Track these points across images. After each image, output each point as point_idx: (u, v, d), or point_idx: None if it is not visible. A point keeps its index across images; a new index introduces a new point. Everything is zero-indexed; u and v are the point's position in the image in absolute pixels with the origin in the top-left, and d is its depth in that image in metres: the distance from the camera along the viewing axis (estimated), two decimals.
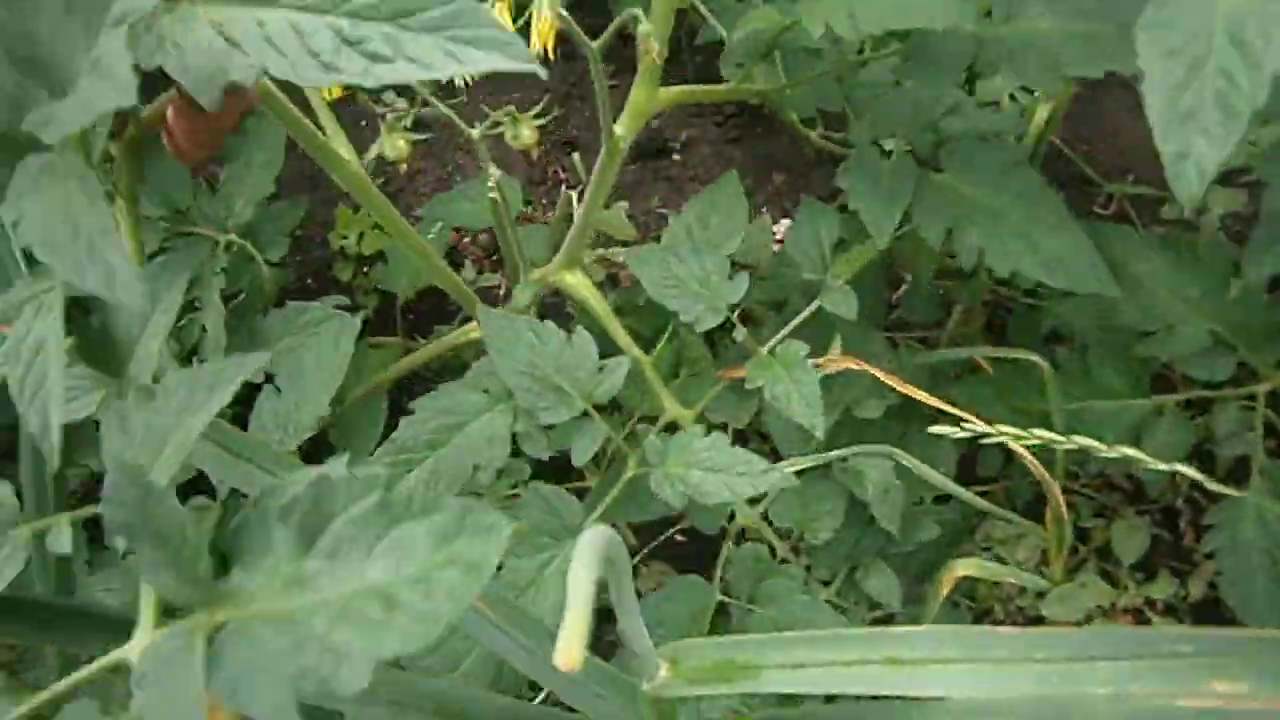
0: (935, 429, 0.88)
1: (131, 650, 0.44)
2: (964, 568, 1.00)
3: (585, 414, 0.82)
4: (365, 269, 1.34)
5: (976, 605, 1.13)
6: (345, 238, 1.33)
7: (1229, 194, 1.25)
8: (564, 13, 0.63)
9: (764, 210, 1.40)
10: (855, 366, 0.90)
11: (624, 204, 1.38)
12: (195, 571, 0.42)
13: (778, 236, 1.39)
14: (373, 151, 0.85)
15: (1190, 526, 1.11)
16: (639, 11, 0.66)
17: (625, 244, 1.27)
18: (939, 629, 0.54)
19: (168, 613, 0.44)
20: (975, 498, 0.96)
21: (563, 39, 0.75)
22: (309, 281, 1.35)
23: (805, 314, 0.89)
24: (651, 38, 0.67)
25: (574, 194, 1.05)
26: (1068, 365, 0.97)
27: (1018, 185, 0.85)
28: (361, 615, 0.37)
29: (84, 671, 0.45)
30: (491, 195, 0.90)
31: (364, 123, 1.42)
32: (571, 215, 1.24)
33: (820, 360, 0.90)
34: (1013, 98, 1.15)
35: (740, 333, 0.88)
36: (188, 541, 0.42)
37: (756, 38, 0.82)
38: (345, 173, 0.83)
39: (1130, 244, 0.91)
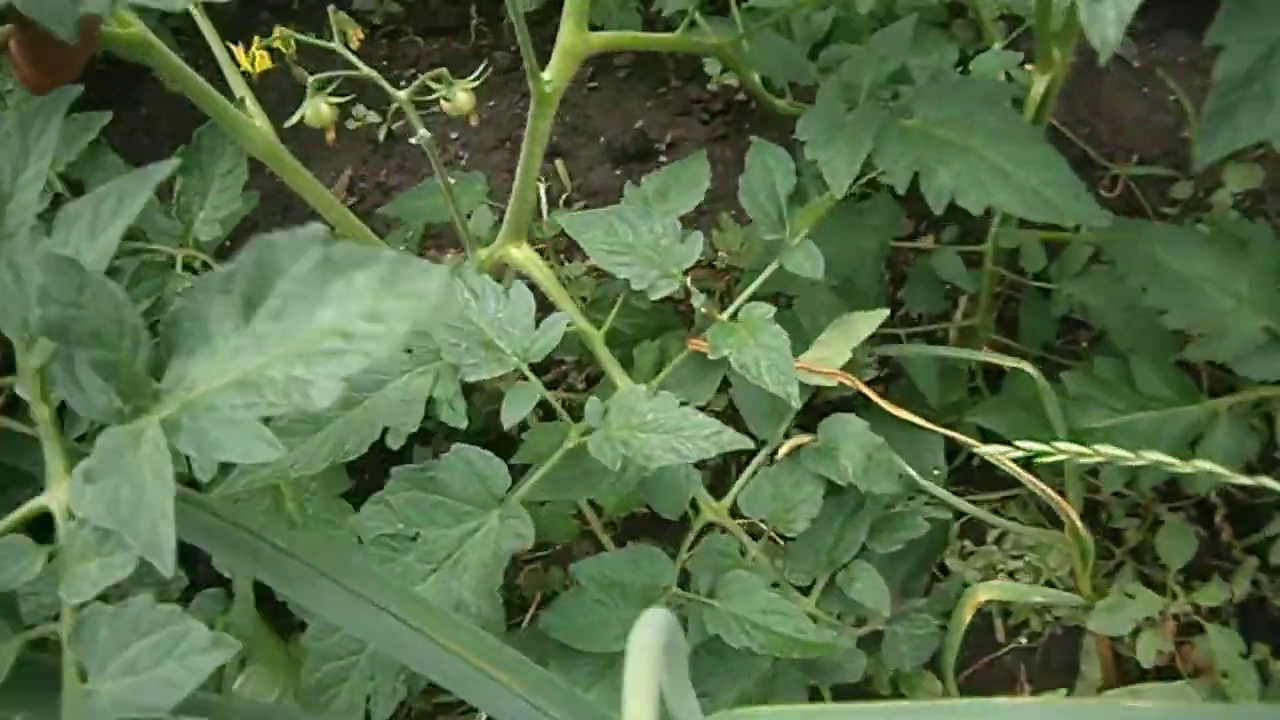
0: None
1: (51, 498, 0.45)
2: (987, 591, 0.92)
3: (518, 374, 0.75)
4: None
5: (1011, 618, 1.02)
6: None
7: (1243, 169, 1.16)
8: None
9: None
10: (845, 380, 0.82)
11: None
12: (134, 368, 0.43)
13: None
14: (294, 117, 0.80)
15: (1227, 522, 1.01)
16: None
17: None
18: (1031, 702, 0.43)
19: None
20: (970, 506, 0.87)
21: None
22: None
23: (766, 274, 0.81)
24: None
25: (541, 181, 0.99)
26: (1107, 375, 0.89)
27: (991, 120, 0.77)
28: (320, 351, 0.40)
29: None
30: (444, 184, 0.84)
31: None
32: (542, 210, 1.18)
33: (803, 363, 0.82)
34: (1009, 77, 1.08)
35: (699, 299, 0.81)
36: (126, 332, 0.43)
37: None
38: (251, 138, 0.78)
39: (1170, 239, 0.83)
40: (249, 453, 0.41)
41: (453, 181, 0.84)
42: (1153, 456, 0.73)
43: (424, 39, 1.47)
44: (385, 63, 1.45)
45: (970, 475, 1.07)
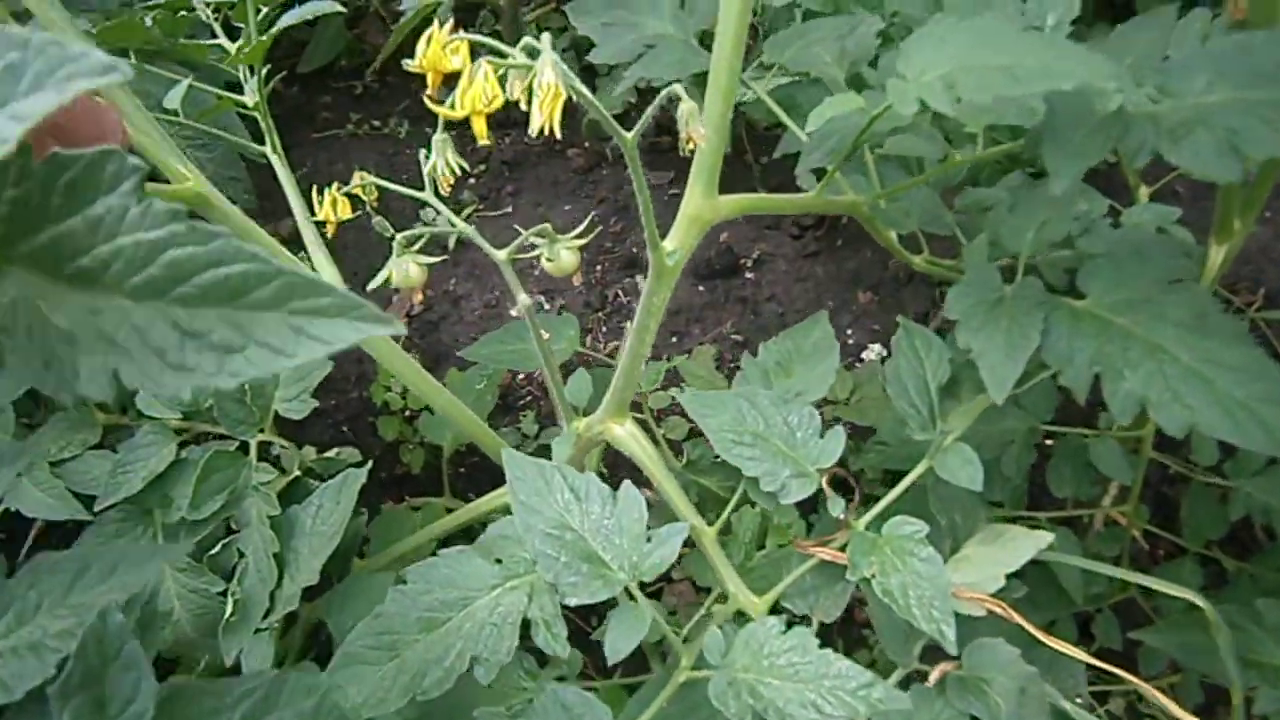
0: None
1: None
2: None
3: (627, 594, 0.64)
4: (413, 420, 1.19)
5: None
6: (389, 389, 1.19)
7: None
8: (580, 87, 0.48)
9: (849, 332, 1.23)
10: (996, 609, 0.70)
11: (710, 349, 1.21)
12: None
13: (865, 359, 1.21)
14: (379, 278, 0.70)
15: None
16: (679, 87, 0.51)
17: None
18: None
19: None
20: None
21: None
22: (344, 429, 1.20)
23: (911, 478, 0.70)
24: (696, 120, 0.51)
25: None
26: None
27: (1180, 309, 0.65)
28: None
29: None
30: (542, 352, 0.74)
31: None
32: None
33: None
34: (1162, 231, 0.96)
35: (836, 506, 0.70)
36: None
37: (837, 132, 0.66)
38: None
39: None
40: None
41: (544, 334, 0.75)
42: None
43: (493, 134, 1.38)
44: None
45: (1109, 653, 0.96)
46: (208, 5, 0.97)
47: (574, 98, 0.49)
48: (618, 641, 0.63)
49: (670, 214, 1.31)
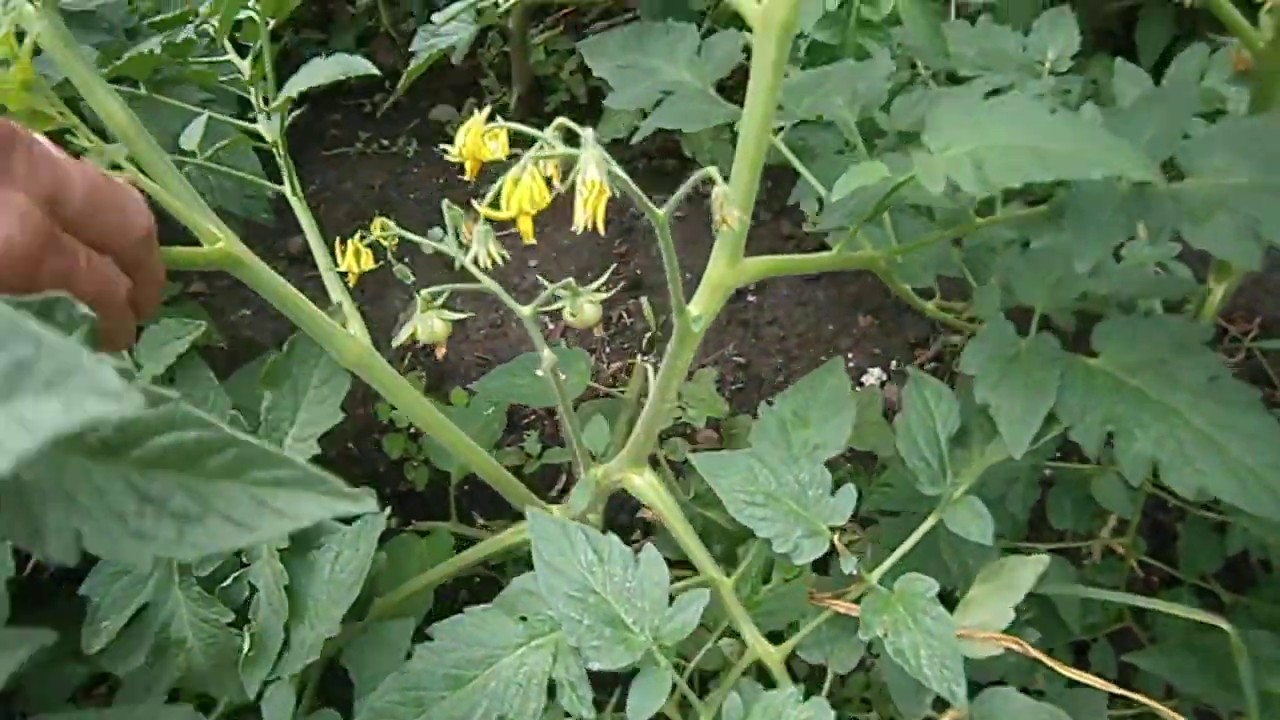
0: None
1: None
2: None
3: (649, 656, 0.66)
4: (417, 438, 1.19)
5: None
6: (394, 407, 1.19)
7: None
8: (620, 172, 0.49)
9: (849, 356, 1.25)
10: (1014, 646, 0.71)
11: (712, 372, 1.22)
12: None
13: (865, 383, 1.23)
14: (403, 334, 0.71)
15: None
16: (714, 170, 0.52)
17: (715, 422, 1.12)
18: None
19: None
20: None
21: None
22: (349, 445, 1.20)
23: (921, 533, 0.71)
24: (731, 204, 0.52)
25: (649, 366, 0.90)
26: None
27: (1197, 375, 0.67)
28: None
29: None
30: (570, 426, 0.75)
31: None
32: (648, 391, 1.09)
33: (963, 630, 0.72)
34: (1162, 267, 0.97)
35: (848, 564, 0.71)
36: None
37: (861, 198, 0.67)
38: (343, 349, 0.70)
39: None
40: None
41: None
42: None
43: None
44: (460, 176, 1.37)
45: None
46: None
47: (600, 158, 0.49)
48: (641, 704, 0.64)
49: (679, 240, 1.31)
